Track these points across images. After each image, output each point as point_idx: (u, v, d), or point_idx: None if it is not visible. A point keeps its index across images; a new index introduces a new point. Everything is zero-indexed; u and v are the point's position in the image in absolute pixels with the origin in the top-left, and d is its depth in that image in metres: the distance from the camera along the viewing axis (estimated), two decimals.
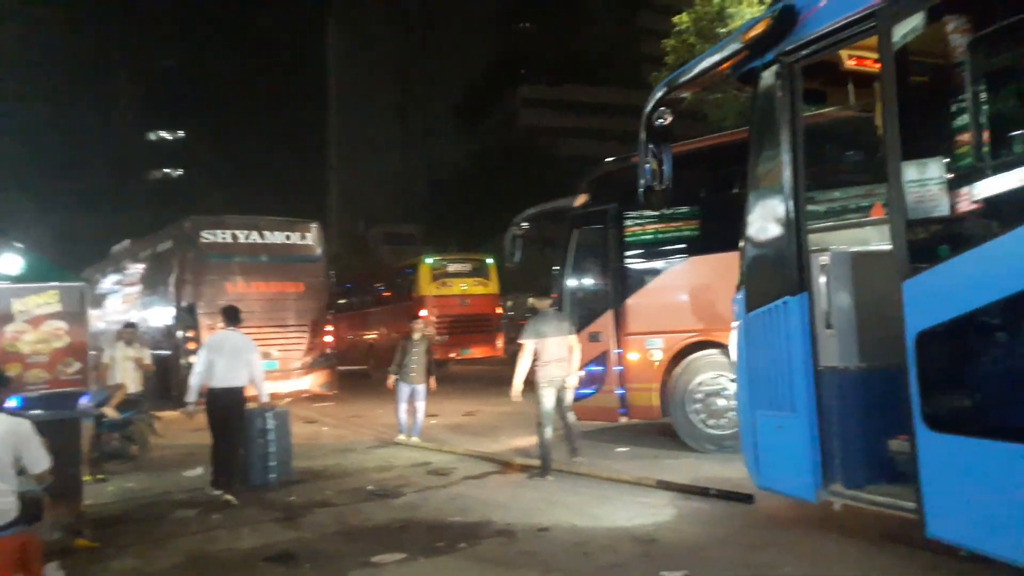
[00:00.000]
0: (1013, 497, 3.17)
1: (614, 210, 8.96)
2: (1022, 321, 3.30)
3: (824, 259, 4.25)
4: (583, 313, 9.10)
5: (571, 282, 9.45)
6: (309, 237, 14.77)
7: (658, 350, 8.57)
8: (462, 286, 19.99)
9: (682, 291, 8.60)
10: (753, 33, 4.39)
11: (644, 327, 8.70)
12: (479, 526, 5.95)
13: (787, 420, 4.42)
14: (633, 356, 8.81)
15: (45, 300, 9.43)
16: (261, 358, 7.93)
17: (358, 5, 65.76)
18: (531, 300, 7.99)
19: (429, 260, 20.06)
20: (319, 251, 14.82)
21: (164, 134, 72.03)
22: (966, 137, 3.75)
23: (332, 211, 63.39)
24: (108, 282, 18.41)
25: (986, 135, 3.59)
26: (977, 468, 3.33)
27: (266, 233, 14.39)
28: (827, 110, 5.26)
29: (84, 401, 8.87)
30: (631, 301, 8.84)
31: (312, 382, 14.32)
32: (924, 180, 3.87)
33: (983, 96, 3.52)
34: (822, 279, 4.23)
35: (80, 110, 57.10)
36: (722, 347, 7.86)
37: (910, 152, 3.82)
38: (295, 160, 66.02)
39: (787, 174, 4.30)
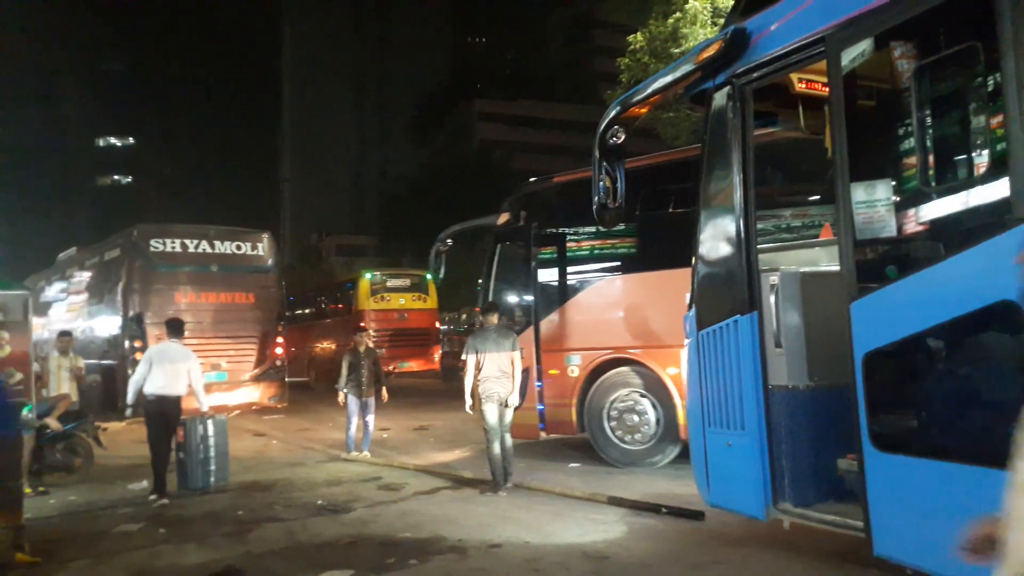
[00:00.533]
0: (956, 517, 3.22)
1: (533, 228, 9.26)
2: (965, 344, 3.37)
3: (774, 279, 4.30)
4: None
5: (493, 298, 9.70)
6: (260, 247, 14.55)
7: (576, 367, 8.77)
8: (400, 301, 20.65)
9: (599, 309, 8.83)
10: (705, 55, 4.44)
11: (563, 344, 8.90)
12: (430, 542, 5.87)
13: (737, 438, 4.45)
14: (552, 372, 8.98)
15: None
16: (200, 369, 8.26)
17: (313, 14, 65.28)
18: (479, 314, 8.01)
19: (368, 275, 20.61)
20: (271, 262, 14.61)
21: (113, 140, 70.43)
22: (912, 161, 3.83)
23: (285, 221, 62.67)
24: (54, 290, 17.92)
25: (931, 159, 3.66)
26: (922, 488, 3.38)
27: (216, 243, 14.16)
28: (778, 132, 5.34)
29: (25, 413, 8.60)
30: (550, 318, 9.06)
31: (261, 394, 14.08)
32: (871, 202, 3.96)
33: (928, 121, 3.60)
34: (772, 299, 4.28)
35: (26, 114, 55.59)
36: (637, 364, 8.34)
37: (858, 174, 3.90)
38: (248, 169, 65.25)
39: (737, 194, 4.35)
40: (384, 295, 20.40)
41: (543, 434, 9.13)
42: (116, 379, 12.96)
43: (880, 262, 3.98)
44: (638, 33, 17.01)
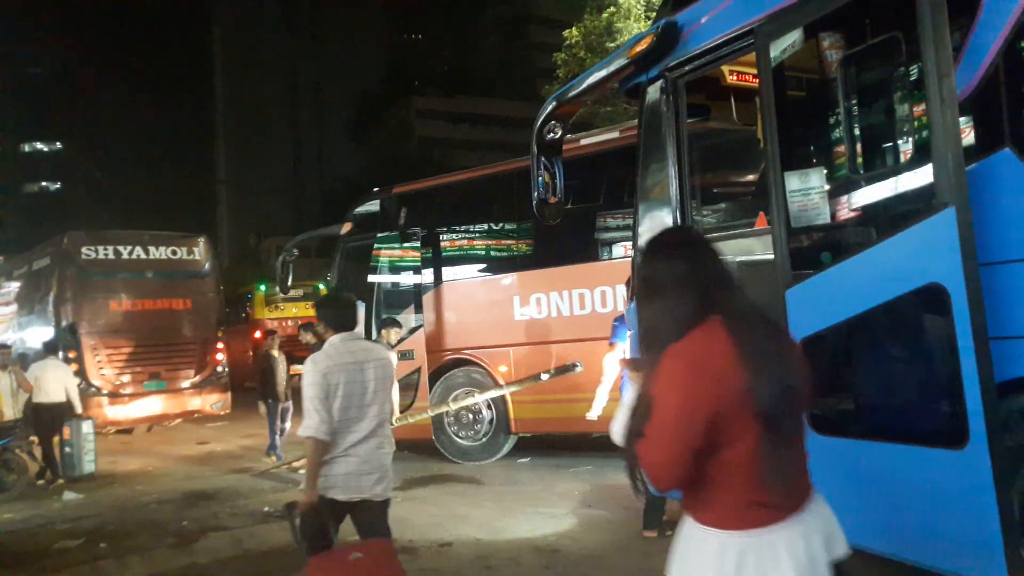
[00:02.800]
0: (892, 496, 3.33)
1: (375, 238, 9.76)
2: (897, 328, 3.47)
3: None
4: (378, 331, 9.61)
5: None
6: (197, 252, 14.17)
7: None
8: (293, 310, 21.20)
9: (438, 314, 9.33)
10: (637, 49, 4.47)
11: (403, 348, 9.14)
12: None
13: None
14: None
15: None
16: (75, 380, 10.24)
17: (244, 14, 63.92)
18: (383, 331, 8.18)
19: (263, 287, 21.83)
20: (207, 266, 14.24)
21: (40, 145, 67.82)
22: (841, 149, 3.93)
23: (222, 224, 61.32)
24: None
25: (859, 147, 3.76)
26: (861, 469, 3.46)
27: (151, 248, 13.73)
28: (712, 124, 5.42)
29: None
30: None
31: (203, 401, 13.72)
32: (802, 191, 4.04)
33: (855, 110, 3.70)
34: None
35: None
36: (472, 364, 9.02)
37: (789, 164, 3.98)
38: (183, 173, 63.62)
39: (673, 187, 4.40)
40: (279, 305, 21.35)
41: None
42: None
43: (812, 250, 4.06)
44: (573, 28, 17.13)
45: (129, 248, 13.50)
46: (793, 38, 3.99)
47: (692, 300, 1.83)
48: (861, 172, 3.75)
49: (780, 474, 1.77)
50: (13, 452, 8.77)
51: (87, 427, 9.54)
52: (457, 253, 9.60)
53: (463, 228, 9.59)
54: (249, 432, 12.94)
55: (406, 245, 9.62)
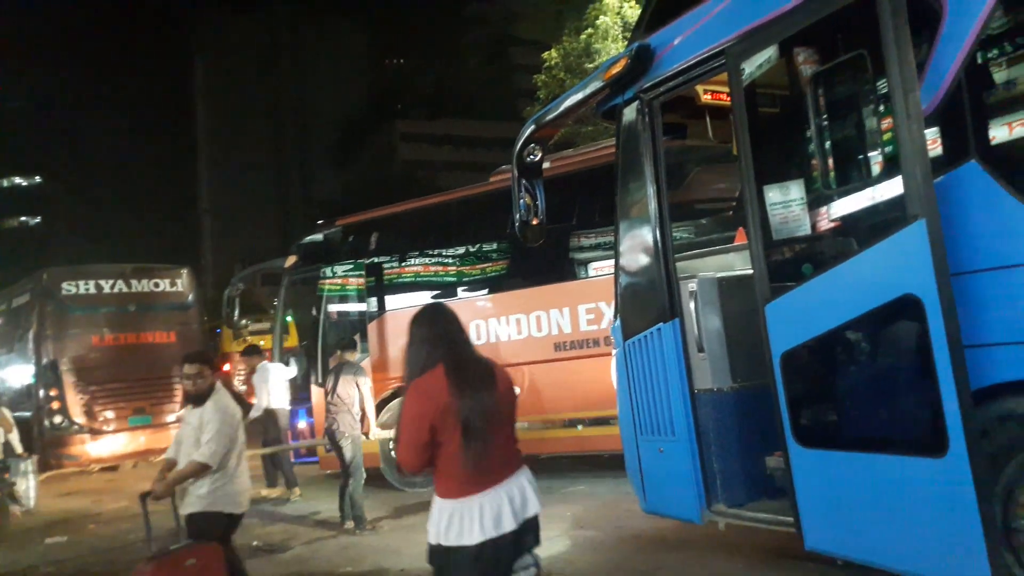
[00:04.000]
0: (877, 506, 3.35)
1: (320, 271, 9.98)
2: (874, 339, 3.51)
3: (692, 285, 4.40)
4: (304, 364, 10.11)
5: (280, 335, 10.72)
6: (180, 283, 14.10)
7: None
8: (261, 342, 21.15)
9: (382, 343, 9.41)
10: (612, 72, 4.54)
11: None
12: (372, 575, 5.77)
13: (668, 444, 4.52)
14: None
15: None
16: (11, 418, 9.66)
17: (225, 45, 63.98)
18: (338, 352, 8.18)
19: (242, 321, 22.45)
20: (191, 297, 14.17)
21: (19, 180, 67.33)
22: (814, 164, 3.99)
23: (206, 254, 61.00)
24: None
25: (830, 162, 3.82)
26: (845, 480, 3.49)
27: (133, 281, 13.65)
28: (689, 143, 5.49)
29: None
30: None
31: None
32: (778, 205, 4.11)
33: (825, 126, 3.76)
34: (691, 305, 4.37)
35: None
36: None
37: (764, 180, 4.04)
38: (166, 203, 63.30)
39: (652, 206, 4.44)
40: (247, 338, 21.84)
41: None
42: (32, 431, 12.34)
43: (790, 264, 4.12)
44: (552, 50, 17.28)
45: (111, 282, 13.41)
46: (763, 57, 4.06)
47: (428, 353, 2.91)
48: (834, 187, 3.80)
49: (476, 462, 2.77)
50: None
51: (29, 465, 9.46)
52: (400, 282, 9.80)
53: (406, 258, 9.81)
54: None
55: (350, 276, 9.82)
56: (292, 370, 10.13)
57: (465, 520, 2.76)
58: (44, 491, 9.74)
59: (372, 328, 9.50)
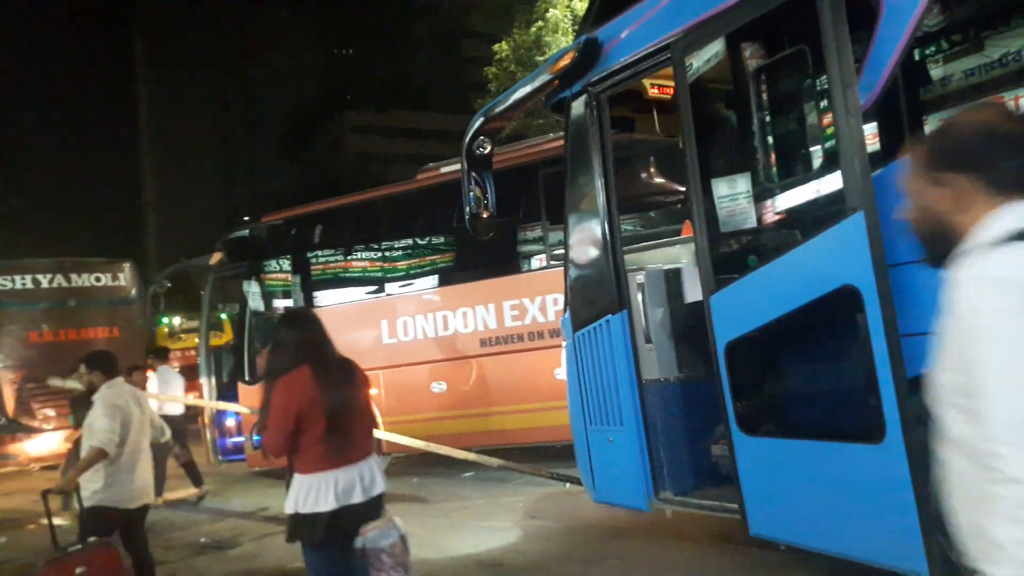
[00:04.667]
0: (818, 492, 3.44)
1: (244, 268, 10.07)
2: (815, 329, 3.59)
3: (640, 277, 4.45)
4: (230, 360, 10.22)
5: (206, 333, 10.60)
6: (122, 277, 13.76)
7: None
8: (196, 340, 21.64)
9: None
10: (560, 65, 4.55)
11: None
12: None
13: (617, 433, 4.56)
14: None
15: None
16: None
17: (168, 31, 62.36)
18: (265, 350, 8.17)
19: (164, 320, 22.69)
20: (134, 292, 13.84)
21: None
22: (759, 158, 4.06)
23: (150, 248, 59.53)
24: None
25: (772, 156, 3.89)
26: (787, 467, 3.57)
27: (73, 276, 13.28)
28: (636, 136, 5.54)
29: None
30: (264, 350, 9.62)
31: None
32: (724, 199, 4.17)
33: (767, 120, 3.83)
34: (639, 296, 4.42)
35: None
36: None
37: (709, 173, 4.10)
38: (106, 197, 61.47)
39: (600, 198, 4.47)
40: (180, 336, 22.89)
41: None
42: None
43: (733, 256, 4.18)
44: (503, 42, 17.27)
45: (49, 276, 13.03)
46: (708, 52, 4.12)
47: (295, 353, 3.38)
48: (777, 180, 3.88)
49: (334, 445, 3.29)
50: None
51: None
52: (325, 278, 9.79)
53: (331, 254, 9.80)
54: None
55: (275, 272, 9.87)
56: (178, 380, 9.83)
57: (322, 491, 3.25)
58: None
59: None
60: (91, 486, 4.59)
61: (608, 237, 4.46)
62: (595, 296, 4.64)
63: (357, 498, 3.33)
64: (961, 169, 1.46)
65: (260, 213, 10.90)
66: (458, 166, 8.82)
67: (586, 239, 4.69)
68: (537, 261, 8.23)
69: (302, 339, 3.45)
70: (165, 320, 22.82)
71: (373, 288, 9.39)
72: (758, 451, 3.69)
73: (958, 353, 1.39)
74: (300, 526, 3.29)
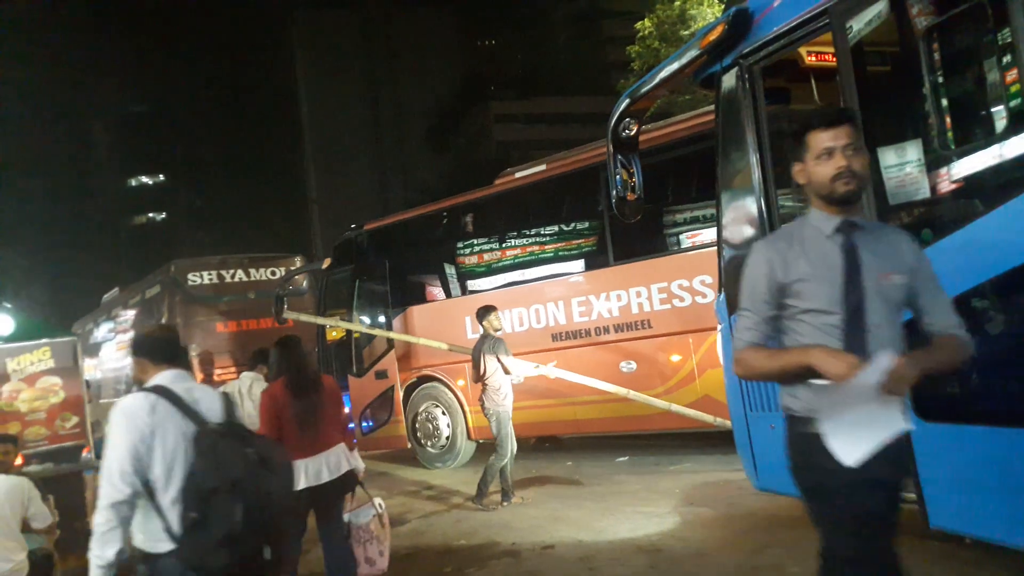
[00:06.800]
0: (1008, 481, 3.17)
1: (352, 271, 10.90)
2: (998, 309, 3.30)
3: None
4: (356, 354, 10.81)
5: (320, 329, 11.62)
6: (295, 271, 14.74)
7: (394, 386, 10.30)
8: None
9: (409, 335, 10.10)
10: (709, 39, 4.41)
11: (379, 368, 10.39)
12: (485, 548, 5.92)
13: (779, 419, 4.39)
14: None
15: (38, 357, 9.36)
16: None
17: (322, 37, 65.82)
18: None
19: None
20: (305, 284, 14.78)
21: (145, 179, 71.89)
22: (932, 123, 3.76)
23: (316, 242, 63.33)
24: (102, 331, 18.31)
25: (949, 121, 3.61)
26: (972, 455, 3.32)
27: (251, 270, 14.36)
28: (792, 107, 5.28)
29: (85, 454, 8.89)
30: (369, 347, 10.63)
31: None
32: (892, 169, 3.89)
33: (940, 82, 3.55)
34: None
35: (59, 163, 57.21)
36: (434, 380, 9.96)
37: (876, 144, 3.85)
38: (276, 195, 66.02)
39: (756, 175, 4.31)
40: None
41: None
42: None
43: (910, 228, 3.90)
44: (646, 19, 16.95)
45: (231, 271, 14.15)
46: (871, 13, 3.85)
47: (275, 371, 4.81)
48: (953, 147, 3.58)
49: (302, 439, 4.46)
50: None
51: None
52: (420, 279, 10.76)
53: (425, 257, 10.74)
54: None
55: (377, 275, 10.65)
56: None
57: (297, 474, 4.22)
58: None
59: (397, 322, 10.29)
60: None
61: (765, 215, 4.29)
62: None
63: (326, 477, 4.50)
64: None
65: (424, 202, 11.72)
66: (534, 170, 9.45)
67: (741, 217, 4.53)
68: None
69: (280, 360, 4.74)
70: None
71: (458, 285, 10.11)
72: (938, 438, 3.44)
73: None
74: None
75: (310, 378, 4.71)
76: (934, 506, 3.54)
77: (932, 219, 3.98)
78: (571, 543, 5.74)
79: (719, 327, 4.94)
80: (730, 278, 4.74)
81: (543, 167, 9.43)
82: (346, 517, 4.80)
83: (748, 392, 4.63)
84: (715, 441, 8.01)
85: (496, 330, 7.39)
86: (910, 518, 3.96)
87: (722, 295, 4.82)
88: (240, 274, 14.23)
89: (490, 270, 9.72)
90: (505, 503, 7.15)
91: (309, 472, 4.45)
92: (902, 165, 3.84)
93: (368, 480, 9.36)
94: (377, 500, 4.98)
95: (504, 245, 9.63)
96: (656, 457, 8.47)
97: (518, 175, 9.61)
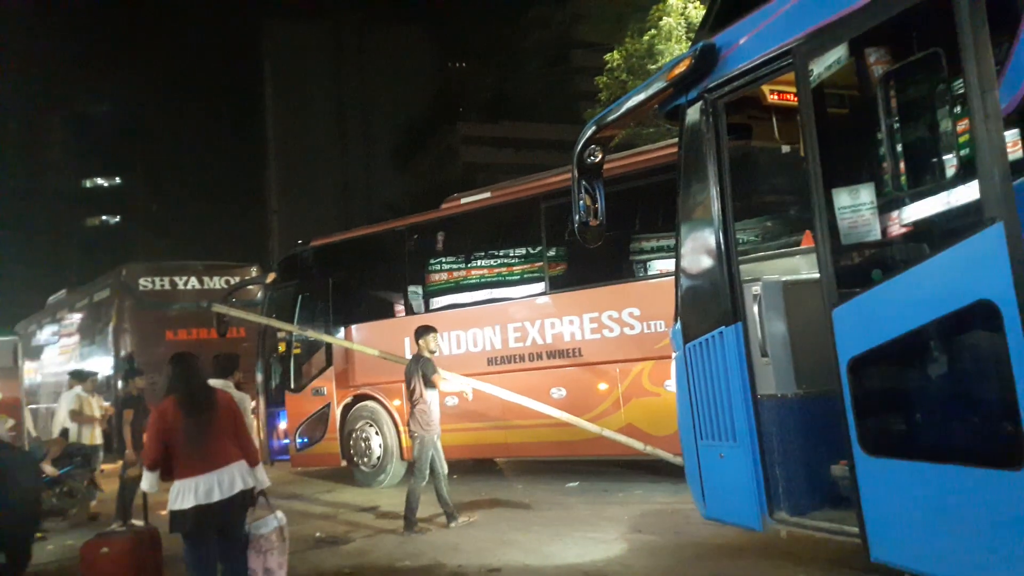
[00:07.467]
0: (949, 518, 3.24)
1: (296, 287, 10.98)
2: (947, 346, 3.40)
3: (756, 288, 4.32)
4: (296, 370, 10.97)
5: (260, 343, 11.50)
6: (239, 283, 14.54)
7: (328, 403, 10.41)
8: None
9: (347, 353, 10.22)
10: (676, 72, 4.49)
11: (316, 385, 10.57)
12: (430, 570, 5.86)
13: (729, 449, 4.45)
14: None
15: None
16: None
17: (293, 50, 65.52)
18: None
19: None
20: (260, 295, 14.57)
21: (100, 180, 70.34)
22: (886, 166, 3.86)
23: (275, 253, 62.59)
24: (45, 334, 17.79)
25: (903, 164, 3.70)
26: (914, 491, 3.38)
27: (206, 278, 14.17)
28: (755, 144, 5.39)
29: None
30: (308, 363, 10.75)
31: None
32: (849, 208, 4.00)
33: (896, 126, 3.64)
34: (755, 308, 4.29)
35: (11, 158, 55.75)
36: (370, 399, 10.01)
37: (833, 181, 3.95)
38: (236, 205, 65.21)
39: (715, 207, 4.38)
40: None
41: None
42: (109, 420, 12.86)
43: (859, 267, 4.01)
44: (615, 51, 17.20)
45: (184, 278, 13.94)
46: (832, 57, 3.97)
47: (165, 387, 4.71)
48: (906, 189, 3.69)
49: (194, 456, 4.43)
50: (76, 480, 9.01)
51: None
52: (361, 298, 10.72)
53: (368, 276, 10.82)
54: None
55: (320, 291, 10.77)
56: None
57: (187, 493, 4.34)
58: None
59: (339, 338, 10.33)
60: None
61: (724, 247, 4.36)
62: (708, 307, 4.54)
63: (216, 496, 4.37)
64: None
65: (390, 218, 11.85)
66: (479, 196, 9.61)
67: (699, 248, 4.60)
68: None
69: (172, 376, 4.68)
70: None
71: (399, 306, 10.18)
72: (882, 473, 3.51)
73: None
74: (174, 520, 4.37)
75: (202, 395, 4.64)
76: (876, 539, 3.59)
77: (882, 259, 4.09)
78: (518, 567, 5.70)
79: (674, 355, 4.99)
80: (687, 306, 4.81)
81: (488, 194, 9.63)
82: (247, 527, 4.70)
83: (699, 420, 4.67)
84: (664, 470, 8.04)
85: (431, 352, 7.39)
86: (853, 551, 4.04)
87: (678, 324, 4.87)
88: (194, 281, 14.03)
89: (431, 292, 9.84)
90: (452, 524, 7.08)
91: (199, 491, 4.35)
92: (856, 207, 3.95)
93: (313, 499, 9.32)
94: (279, 512, 4.89)
95: (446, 268, 9.79)
96: (606, 484, 8.49)
97: (463, 200, 9.81)
